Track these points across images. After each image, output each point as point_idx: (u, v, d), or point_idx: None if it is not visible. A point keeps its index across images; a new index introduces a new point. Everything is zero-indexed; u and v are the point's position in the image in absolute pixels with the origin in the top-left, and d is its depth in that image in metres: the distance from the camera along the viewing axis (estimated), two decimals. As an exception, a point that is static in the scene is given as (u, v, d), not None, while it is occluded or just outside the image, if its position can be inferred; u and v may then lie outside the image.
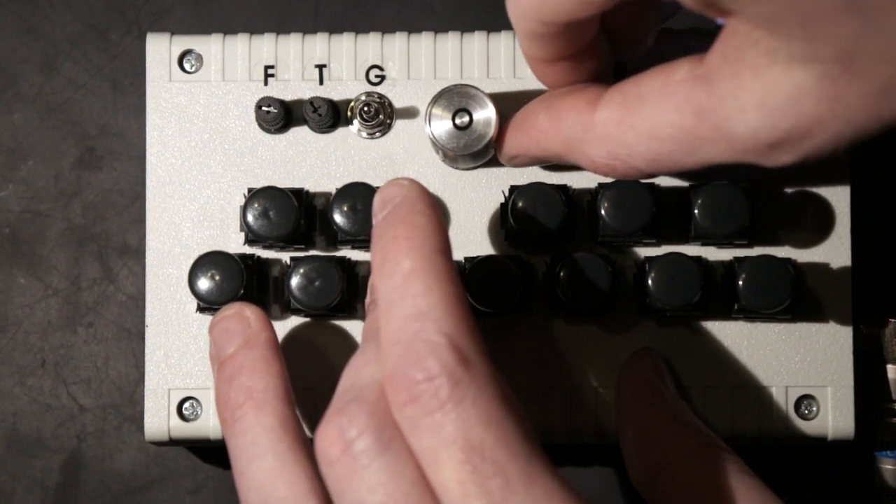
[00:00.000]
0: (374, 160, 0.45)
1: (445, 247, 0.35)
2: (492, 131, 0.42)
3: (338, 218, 0.43)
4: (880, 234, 0.48)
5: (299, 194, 0.43)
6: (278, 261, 0.44)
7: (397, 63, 0.45)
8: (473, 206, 0.45)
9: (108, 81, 0.50)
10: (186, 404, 0.44)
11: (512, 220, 0.43)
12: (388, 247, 0.35)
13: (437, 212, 0.36)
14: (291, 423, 0.38)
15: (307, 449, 0.37)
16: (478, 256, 0.43)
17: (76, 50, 0.50)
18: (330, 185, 0.44)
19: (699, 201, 0.43)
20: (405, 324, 0.34)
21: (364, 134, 0.45)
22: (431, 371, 0.33)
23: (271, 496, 0.36)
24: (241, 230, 0.44)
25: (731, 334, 0.44)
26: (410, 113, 0.45)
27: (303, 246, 0.44)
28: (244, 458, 0.37)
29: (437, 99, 0.42)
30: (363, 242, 0.43)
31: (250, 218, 0.43)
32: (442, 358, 0.33)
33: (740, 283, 0.43)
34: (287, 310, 0.44)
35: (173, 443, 0.45)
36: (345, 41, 0.45)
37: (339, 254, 0.44)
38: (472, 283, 0.43)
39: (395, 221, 0.36)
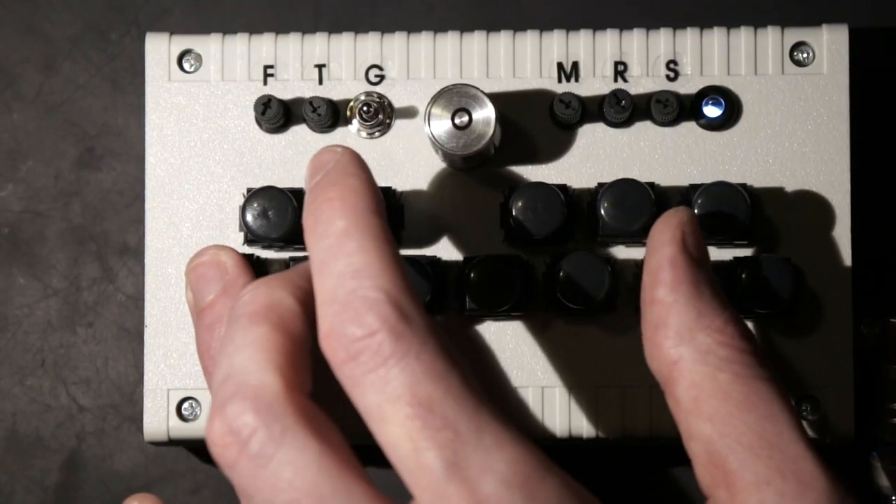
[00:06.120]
0: (373, 160, 0.44)
1: (379, 208, 0.35)
2: (491, 131, 0.42)
3: (337, 218, 0.43)
4: (880, 234, 0.48)
5: (299, 194, 0.43)
6: (278, 261, 0.44)
7: (397, 63, 0.45)
8: (473, 206, 0.44)
9: (108, 81, 0.50)
10: (185, 404, 0.44)
11: (512, 220, 0.43)
12: (321, 208, 0.35)
13: (370, 175, 0.36)
14: None
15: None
16: (478, 256, 0.43)
17: (76, 50, 0.50)
18: (329, 185, 0.44)
19: (699, 201, 0.42)
20: (340, 282, 0.33)
21: (363, 134, 0.45)
22: (371, 327, 0.32)
23: None
24: (241, 230, 0.44)
25: (731, 334, 0.44)
26: (410, 113, 0.45)
27: (302, 246, 0.44)
28: None
29: (437, 98, 0.42)
30: (362, 242, 0.43)
31: (249, 218, 0.43)
32: (381, 313, 0.33)
33: (740, 283, 0.43)
34: (286, 310, 0.44)
35: (172, 443, 0.45)
36: (344, 41, 0.45)
37: (338, 254, 0.44)
38: (472, 283, 0.43)
39: (327, 185, 0.35)
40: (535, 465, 0.32)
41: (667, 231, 0.38)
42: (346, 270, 0.33)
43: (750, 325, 0.44)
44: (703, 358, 0.36)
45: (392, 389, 0.32)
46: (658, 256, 0.37)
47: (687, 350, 0.36)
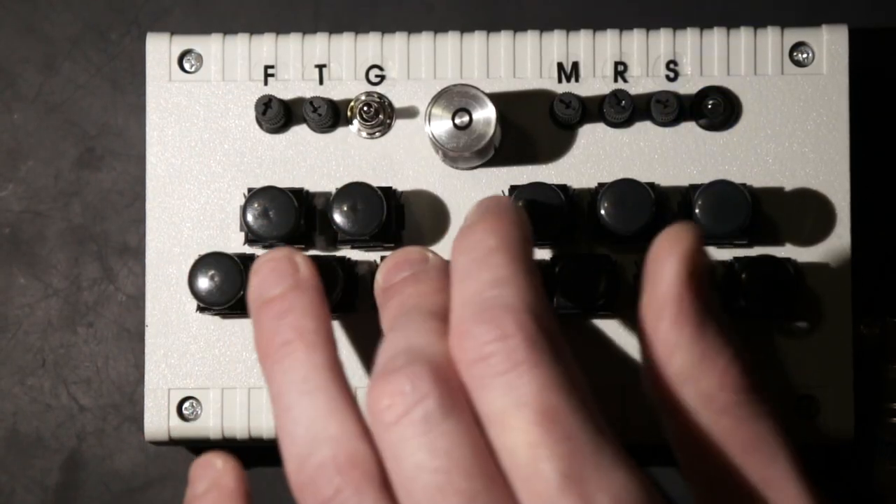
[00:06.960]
0: (374, 160, 0.45)
1: (530, 238, 0.35)
2: (491, 131, 0.42)
3: (338, 218, 0.43)
4: (880, 234, 0.48)
5: (299, 194, 0.43)
6: (278, 261, 0.44)
7: (397, 63, 0.45)
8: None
9: (108, 81, 0.50)
10: (186, 404, 0.44)
11: (512, 219, 0.43)
12: (474, 230, 0.35)
13: (527, 220, 0.37)
14: (341, 369, 0.37)
15: (354, 397, 0.36)
16: (478, 256, 0.43)
17: (76, 50, 0.50)
18: (330, 185, 0.44)
19: (699, 201, 0.43)
20: (483, 288, 0.33)
21: (364, 134, 0.45)
22: (507, 330, 0.32)
23: (322, 434, 0.35)
24: (241, 230, 0.44)
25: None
26: (410, 113, 0.45)
27: (303, 246, 0.44)
28: (294, 392, 0.36)
29: (437, 99, 0.42)
30: (363, 242, 0.43)
31: (250, 218, 0.43)
32: (520, 320, 0.33)
33: (740, 283, 0.43)
34: (287, 310, 0.44)
35: (173, 443, 0.45)
36: (345, 41, 0.45)
37: (339, 254, 0.44)
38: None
39: (484, 214, 0.36)
40: (649, 491, 0.32)
41: (670, 259, 0.35)
42: (490, 279, 0.34)
43: (750, 325, 0.44)
44: (706, 404, 0.35)
45: (519, 395, 0.32)
46: (663, 289, 0.35)
47: (689, 394, 0.35)
